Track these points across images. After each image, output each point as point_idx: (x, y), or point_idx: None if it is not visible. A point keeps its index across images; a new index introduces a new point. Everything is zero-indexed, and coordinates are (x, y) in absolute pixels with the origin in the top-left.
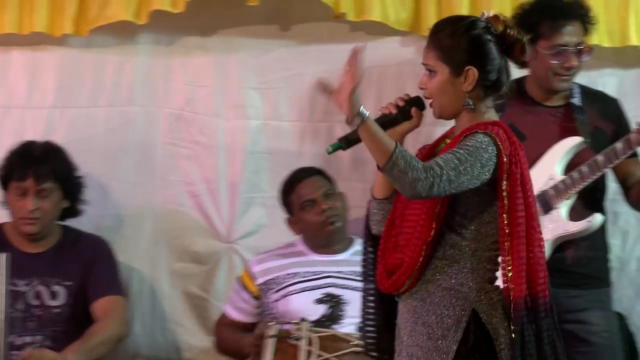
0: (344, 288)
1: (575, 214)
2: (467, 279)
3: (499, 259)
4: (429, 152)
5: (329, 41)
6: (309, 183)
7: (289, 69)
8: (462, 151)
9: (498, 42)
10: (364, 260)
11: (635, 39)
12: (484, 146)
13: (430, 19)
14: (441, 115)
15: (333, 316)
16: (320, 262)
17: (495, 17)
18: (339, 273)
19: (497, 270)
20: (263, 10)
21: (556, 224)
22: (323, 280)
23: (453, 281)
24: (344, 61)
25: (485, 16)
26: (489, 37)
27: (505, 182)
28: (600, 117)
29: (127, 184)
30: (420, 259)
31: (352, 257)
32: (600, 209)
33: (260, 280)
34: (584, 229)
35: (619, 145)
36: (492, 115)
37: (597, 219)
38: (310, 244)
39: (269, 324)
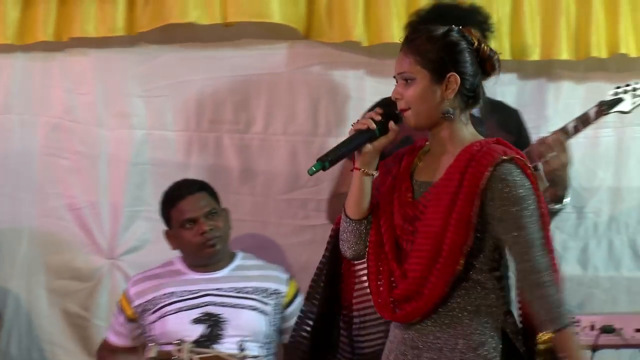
0: (223, 306)
1: None
2: (492, 300)
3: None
4: (405, 169)
5: (217, 47)
6: (191, 200)
7: (174, 76)
8: (531, 226)
9: (473, 54)
10: (314, 281)
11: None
12: (527, 186)
13: (323, 25)
14: (417, 125)
15: (212, 335)
16: (198, 280)
17: (469, 30)
18: (218, 290)
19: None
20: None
21: None
22: (200, 299)
23: (478, 302)
24: (231, 68)
25: (456, 29)
26: (465, 44)
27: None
28: (500, 128)
29: (3, 197)
30: (443, 292)
31: (232, 273)
32: None
33: (137, 303)
34: None
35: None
36: (472, 129)
37: None
38: (188, 262)
39: (149, 345)
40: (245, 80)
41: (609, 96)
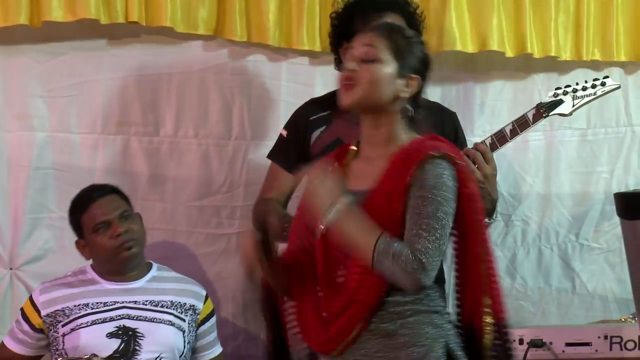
0: (139, 320)
1: None
2: (430, 306)
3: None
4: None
5: (124, 45)
6: (103, 203)
7: (78, 75)
8: (432, 207)
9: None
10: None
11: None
12: (449, 179)
13: (236, 22)
14: (358, 104)
15: (127, 351)
16: (112, 291)
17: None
18: (134, 303)
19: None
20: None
21: None
22: (115, 311)
23: (416, 309)
24: (139, 66)
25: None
26: (430, 62)
27: (465, 203)
28: (435, 130)
29: None
30: (378, 299)
31: (148, 285)
32: None
33: (45, 312)
34: None
35: None
36: (411, 134)
37: None
38: (102, 271)
39: (56, 358)
40: (154, 79)
41: (548, 97)
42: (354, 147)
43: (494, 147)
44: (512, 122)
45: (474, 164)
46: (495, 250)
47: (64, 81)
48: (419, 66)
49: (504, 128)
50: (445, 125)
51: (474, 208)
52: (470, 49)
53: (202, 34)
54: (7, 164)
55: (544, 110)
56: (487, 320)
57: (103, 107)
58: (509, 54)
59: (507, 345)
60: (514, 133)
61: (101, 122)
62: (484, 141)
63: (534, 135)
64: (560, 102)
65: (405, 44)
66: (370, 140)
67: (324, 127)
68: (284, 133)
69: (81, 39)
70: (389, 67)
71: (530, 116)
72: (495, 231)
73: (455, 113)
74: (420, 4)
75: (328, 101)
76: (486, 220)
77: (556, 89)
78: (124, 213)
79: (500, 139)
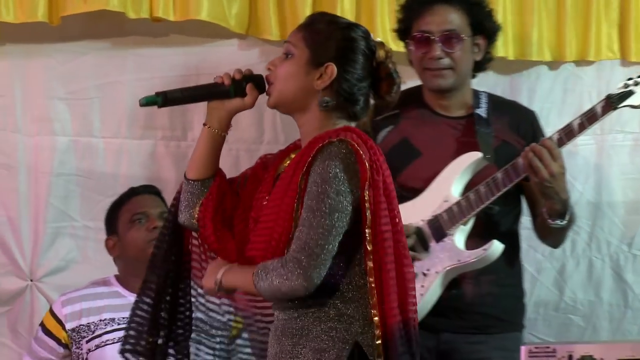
0: None
1: (475, 243)
2: (346, 306)
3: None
4: (273, 168)
5: (150, 44)
6: (146, 198)
7: (102, 76)
8: (314, 201)
9: (369, 61)
10: (157, 248)
11: None
12: (338, 172)
13: (270, 20)
14: (277, 104)
15: None
16: None
17: (382, 43)
18: None
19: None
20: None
21: (449, 253)
22: None
23: (331, 311)
24: (166, 67)
25: (363, 30)
26: (364, 47)
27: (367, 192)
28: (510, 130)
29: None
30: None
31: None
32: (509, 235)
33: (70, 326)
34: (479, 259)
35: (520, 161)
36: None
37: (494, 246)
38: (128, 280)
39: None
40: (182, 81)
41: (617, 89)
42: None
43: (561, 142)
44: (580, 116)
45: (540, 161)
46: (543, 261)
47: (87, 82)
48: (336, 53)
49: (571, 122)
50: (520, 124)
51: (379, 194)
52: (512, 55)
53: (233, 32)
54: (27, 170)
55: (613, 102)
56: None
57: (128, 109)
58: (547, 58)
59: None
60: (582, 127)
61: (126, 126)
62: (550, 137)
63: (584, 139)
64: (631, 93)
65: (324, 30)
66: (302, 138)
67: (391, 126)
68: None
69: (104, 37)
70: (300, 59)
71: (599, 109)
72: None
73: (534, 112)
74: None
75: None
76: (558, 221)
77: (627, 79)
78: (162, 214)
79: (567, 133)
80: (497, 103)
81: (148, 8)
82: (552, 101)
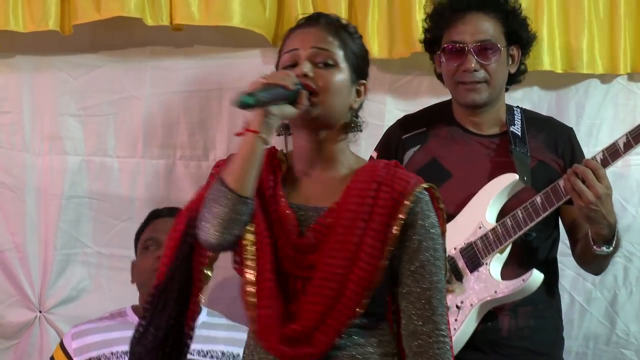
0: None
1: (512, 272)
2: (386, 348)
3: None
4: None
5: (169, 56)
6: (167, 222)
7: (117, 91)
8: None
9: None
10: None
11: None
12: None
13: None
14: (323, 117)
15: None
16: None
17: None
18: None
19: None
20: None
21: (484, 285)
22: None
23: (372, 350)
24: (186, 81)
25: None
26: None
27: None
28: (547, 149)
29: None
30: (336, 338)
31: (197, 332)
32: (547, 263)
33: None
34: (518, 291)
35: (561, 184)
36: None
37: (534, 276)
38: (141, 310)
39: None
40: (203, 96)
41: None
42: (282, 162)
43: (605, 162)
44: (626, 134)
45: (584, 182)
46: (593, 291)
47: (101, 97)
48: (366, 69)
49: (616, 141)
50: (558, 141)
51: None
52: (560, 68)
53: (256, 42)
54: (36, 192)
55: None
56: None
57: (144, 127)
58: (599, 71)
59: None
60: (628, 146)
61: (142, 145)
62: (594, 157)
63: (636, 159)
64: None
65: (358, 49)
66: (307, 156)
67: (418, 146)
68: (374, 155)
69: (120, 49)
70: (345, 73)
71: None
72: None
73: (571, 129)
74: None
75: (424, 117)
76: (604, 248)
77: None
78: None
79: (612, 154)
80: (531, 119)
81: (168, 14)
82: (602, 117)
